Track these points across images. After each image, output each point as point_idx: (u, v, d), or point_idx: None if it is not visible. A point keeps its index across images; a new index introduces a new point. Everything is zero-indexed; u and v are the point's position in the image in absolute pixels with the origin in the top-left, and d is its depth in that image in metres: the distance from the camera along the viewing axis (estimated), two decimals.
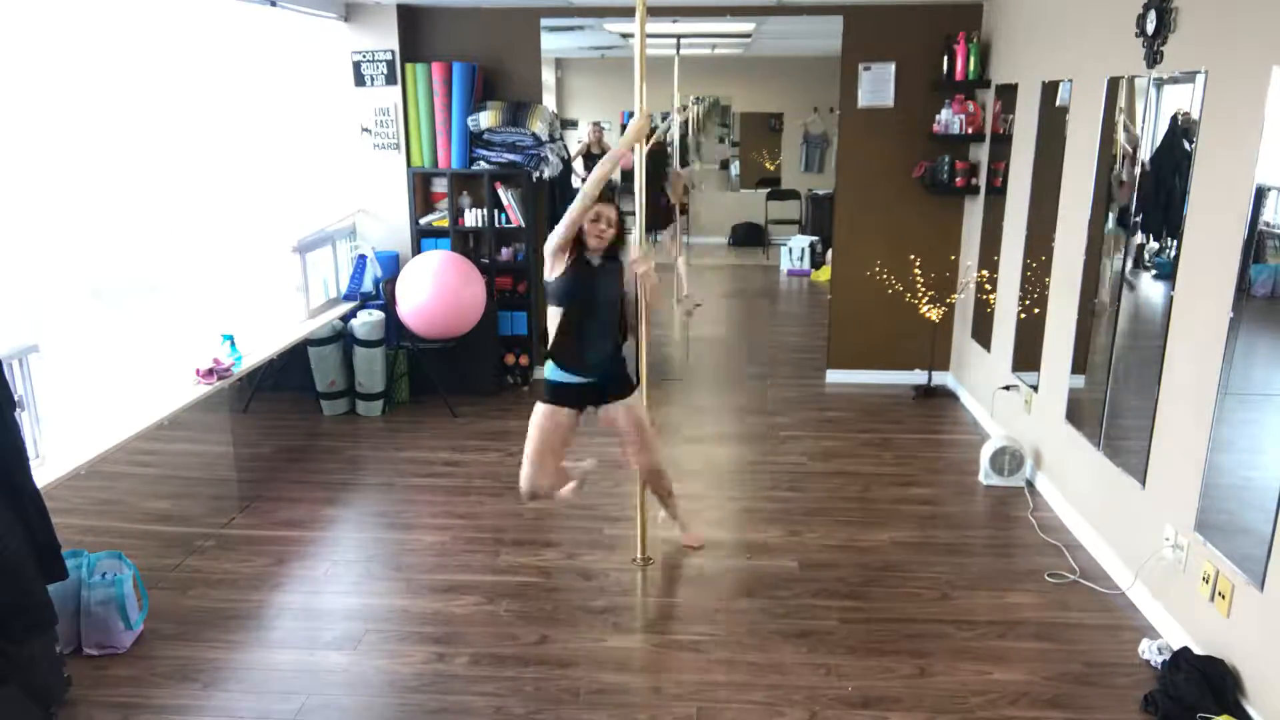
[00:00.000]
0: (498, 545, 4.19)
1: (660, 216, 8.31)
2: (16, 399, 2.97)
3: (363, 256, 5.97)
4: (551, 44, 7.62)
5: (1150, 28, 3.58)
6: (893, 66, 5.98)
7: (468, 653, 3.37)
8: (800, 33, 8.69)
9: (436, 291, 5.60)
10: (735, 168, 13.13)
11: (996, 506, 4.61)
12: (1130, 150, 3.83)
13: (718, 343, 8.03)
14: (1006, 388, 5.17)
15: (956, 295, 6.10)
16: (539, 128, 5.94)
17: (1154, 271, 3.72)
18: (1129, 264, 3.82)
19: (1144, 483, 3.63)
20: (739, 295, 10.05)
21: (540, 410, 3.67)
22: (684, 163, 11.49)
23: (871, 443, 5.43)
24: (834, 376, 6.52)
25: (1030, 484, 4.78)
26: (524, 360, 6.41)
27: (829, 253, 7.44)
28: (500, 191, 6.11)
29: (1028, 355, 4.91)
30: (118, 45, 3.84)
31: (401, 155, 6.07)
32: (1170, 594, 3.44)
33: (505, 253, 6.22)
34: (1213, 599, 3.14)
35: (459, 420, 5.80)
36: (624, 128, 13.24)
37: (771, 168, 12.98)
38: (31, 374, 3.25)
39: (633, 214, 3.82)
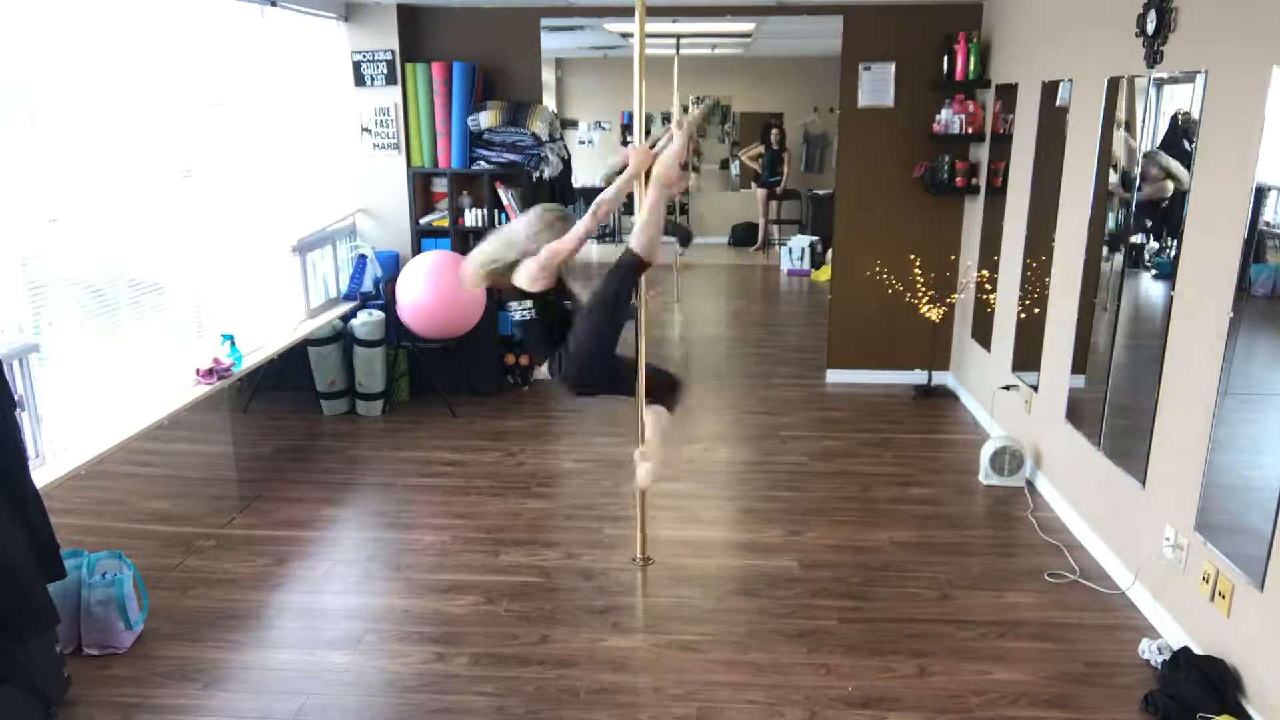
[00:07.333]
0: (498, 545, 4.19)
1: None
2: (16, 399, 2.98)
3: (363, 256, 5.97)
4: (551, 44, 7.61)
5: (1150, 28, 3.58)
6: (893, 66, 5.98)
7: (468, 653, 3.37)
8: (800, 33, 8.68)
9: (436, 291, 5.60)
10: (735, 168, 13.13)
11: (996, 506, 4.61)
12: (1130, 151, 3.83)
13: (718, 342, 8.03)
14: (1006, 388, 5.17)
15: (956, 295, 6.10)
16: (539, 128, 5.94)
17: (1154, 271, 3.71)
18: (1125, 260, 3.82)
19: (1144, 483, 3.63)
20: (739, 295, 10.05)
21: None
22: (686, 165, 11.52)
23: (871, 442, 5.43)
24: (834, 376, 6.52)
25: (1030, 484, 4.78)
26: (524, 360, 6.41)
27: (829, 253, 7.44)
28: (500, 191, 6.11)
29: (1028, 355, 4.91)
30: (118, 44, 3.84)
31: (401, 155, 6.07)
32: (1170, 594, 3.44)
33: None
34: (1213, 599, 3.14)
35: (459, 420, 5.80)
36: (625, 129, 13.26)
37: None
38: (31, 374, 3.25)
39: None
